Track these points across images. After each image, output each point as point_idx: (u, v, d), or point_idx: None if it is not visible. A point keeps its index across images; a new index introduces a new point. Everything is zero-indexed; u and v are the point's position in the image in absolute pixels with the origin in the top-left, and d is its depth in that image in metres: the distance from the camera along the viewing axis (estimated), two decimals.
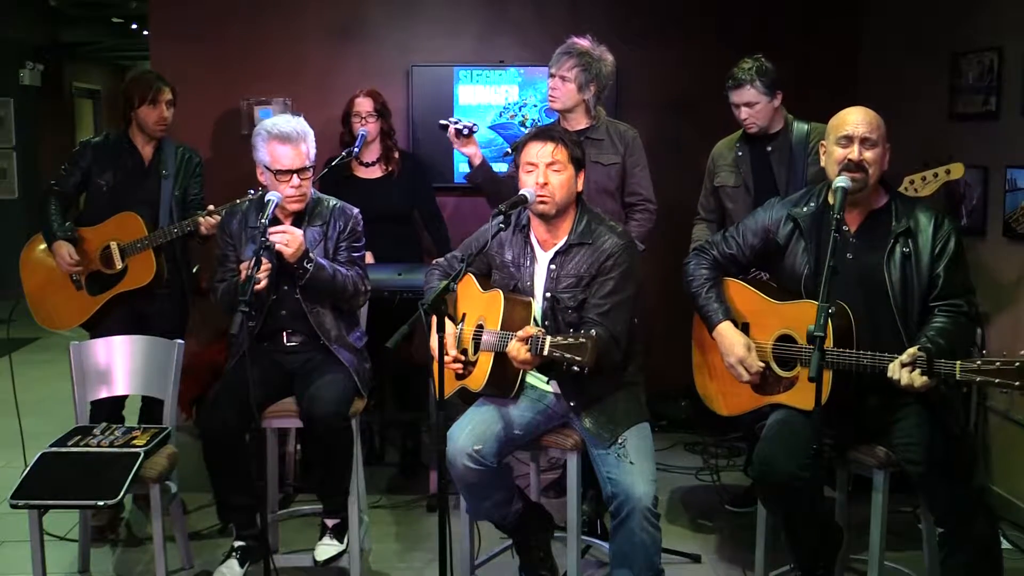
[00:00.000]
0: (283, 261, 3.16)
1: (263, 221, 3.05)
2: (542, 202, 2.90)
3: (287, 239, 3.11)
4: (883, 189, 2.91)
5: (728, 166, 3.79)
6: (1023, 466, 3.80)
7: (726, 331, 2.96)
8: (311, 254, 3.19)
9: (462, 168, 4.91)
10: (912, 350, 2.56)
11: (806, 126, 3.69)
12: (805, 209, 2.95)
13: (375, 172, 4.32)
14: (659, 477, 2.96)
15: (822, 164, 2.94)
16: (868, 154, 2.80)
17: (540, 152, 2.90)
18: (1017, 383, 2.39)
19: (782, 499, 2.78)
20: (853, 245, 2.87)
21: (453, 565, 2.70)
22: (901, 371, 2.55)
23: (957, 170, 3.55)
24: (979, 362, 2.46)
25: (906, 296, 2.79)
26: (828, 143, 2.89)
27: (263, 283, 3.09)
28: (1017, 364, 2.40)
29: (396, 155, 4.34)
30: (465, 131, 3.72)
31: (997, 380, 2.42)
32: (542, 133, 2.96)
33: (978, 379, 2.47)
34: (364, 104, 4.21)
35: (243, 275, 3.02)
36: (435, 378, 2.69)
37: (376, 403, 4.40)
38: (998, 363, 2.43)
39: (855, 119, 2.84)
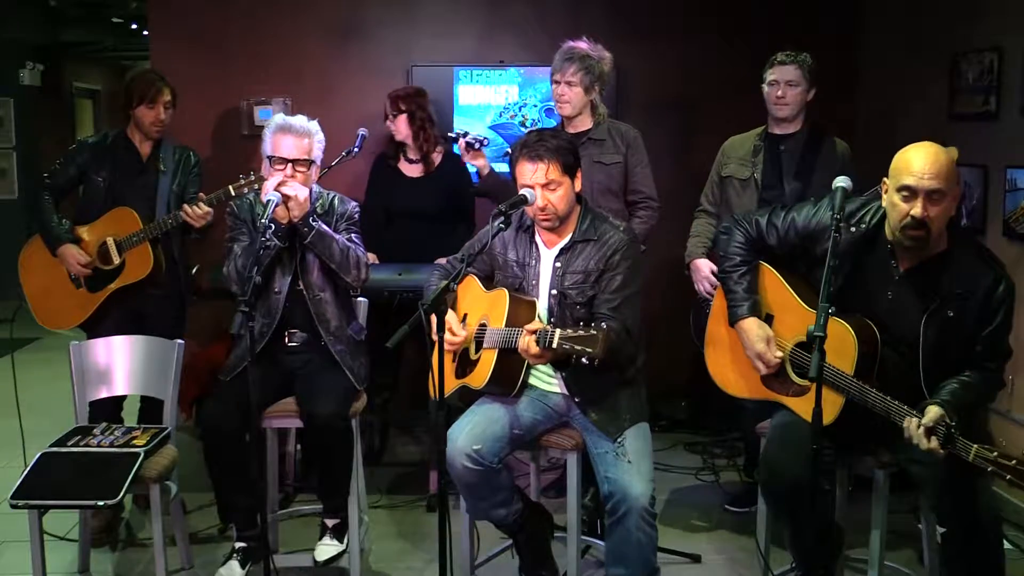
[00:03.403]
0: (292, 236, 3.19)
1: (263, 221, 3.05)
2: (546, 219, 2.92)
3: (294, 192, 3.13)
4: (946, 233, 2.67)
5: (740, 159, 3.80)
6: None
7: (748, 327, 2.91)
8: (315, 217, 3.22)
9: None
10: (936, 412, 2.48)
11: (825, 137, 3.71)
12: (853, 230, 2.76)
13: (416, 170, 4.32)
14: (658, 477, 2.96)
15: (883, 204, 2.70)
16: (934, 210, 2.52)
17: (534, 175, 2.88)
18: None
19: (788, 502, 2.77)
20: (896, 284, 2.71)
21: (453, 565, 2.70)
22: (918, 431, 2.49)
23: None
24: (996, 453, 2.41)
25: (937, 356, 2.67)
26: (889, 185, 2.62)
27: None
28: None
29: (435, 155, 4.30)
30: (476, 145, 3.77)
31: (1008, 477, 2.38)
32: (530, 151, 2.88)
33: (989, 468, 2.42)
34: (387, 105, 4.23)
35: (264, 194, 3.12)
36: (434, 378, 2.68)
37: (382, 402, 4.41)
38: (1014, 461, 2.39)
39: (920, 167, 2.52)
